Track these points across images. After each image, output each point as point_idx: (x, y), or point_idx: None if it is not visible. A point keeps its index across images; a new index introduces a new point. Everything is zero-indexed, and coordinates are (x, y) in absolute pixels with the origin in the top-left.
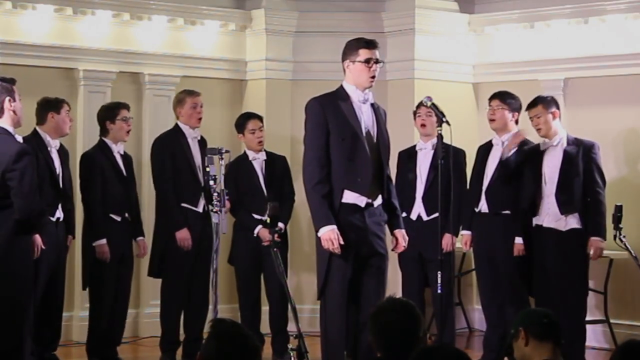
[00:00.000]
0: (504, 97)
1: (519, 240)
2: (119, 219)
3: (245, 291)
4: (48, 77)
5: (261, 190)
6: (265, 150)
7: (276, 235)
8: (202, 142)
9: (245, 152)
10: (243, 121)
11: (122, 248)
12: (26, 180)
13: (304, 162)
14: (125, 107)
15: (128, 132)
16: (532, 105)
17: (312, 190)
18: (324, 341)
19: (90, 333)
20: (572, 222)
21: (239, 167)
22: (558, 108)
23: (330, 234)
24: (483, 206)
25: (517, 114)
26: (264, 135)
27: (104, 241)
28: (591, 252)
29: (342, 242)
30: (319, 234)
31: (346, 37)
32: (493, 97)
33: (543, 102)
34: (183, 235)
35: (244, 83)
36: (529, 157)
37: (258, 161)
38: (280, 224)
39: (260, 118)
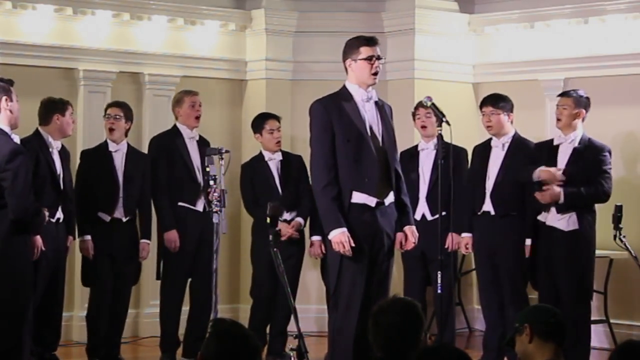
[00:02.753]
0: (496, 102)
1: (529, 242)
2: (107, 219)
3: (259, 292)
4: (48, 77)
5: (277, 191)
6: (281, 150)
7: (286, 228)
8: (201, 142)
9: (261, 153)
10: (261, 121)
11: (111, 248)
12: (19, 180)
13: (311, 166)
14: (112, 105)
15: (110, 129)
16: (564, 94)
17: (321, 193)
18: (331, 343)
19: (88, 332)
20: (573, 222)
21: (255, 168)
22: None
23: (340, 237)
24: (488, 208)
25: (511, 114)
26: (281, 135)
27: (88, 237)
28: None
29: (353, 245)
30: (330, 237)
31: (346, 37)
32: (484, 103)
33: (571, 97)
34: (170, 237)
35: (244, 83)
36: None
37: (274, 162)
38: (300, 219)
39: (277, 118)
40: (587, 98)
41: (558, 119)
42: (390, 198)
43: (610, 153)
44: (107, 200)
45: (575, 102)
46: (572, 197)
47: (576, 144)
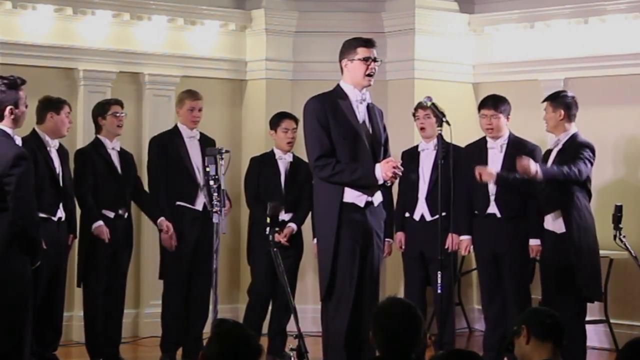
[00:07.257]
0: (497, 105)
1: (535, 242)
2: (111, 215)
3: (255, 290)
4: (48, 77)
5: (280, 190)
6: (292, 153)
7: (276, 235)
8: (204, 141)
9: (273, 150)
10: (278, 119)
11: (115, 245)
12: (23, 188)
13: (312, 163)
14: (117, 103)
15: (119, 126)
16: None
17: (335, 176)
18: (324, 341)
19: (86, 332)
20: (560, 225)
21: (264, 164)
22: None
23: (385, 168)
24: (493, 210)
25: (509, 116)
26: (295, 137)
27: (100, 222)
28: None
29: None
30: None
31: (346, 37)
32: (485, 105)
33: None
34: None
35: (244, 83)
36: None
37: (283, 161)
38: (293, 225)
39: (295, 120)
40: (571, 97)
41: (546, 124)
42: (378, 197)
43: (592, 150)
44: (116, 198)
45: (552, 105)
46: (548, 171)
47: (560, 145)
